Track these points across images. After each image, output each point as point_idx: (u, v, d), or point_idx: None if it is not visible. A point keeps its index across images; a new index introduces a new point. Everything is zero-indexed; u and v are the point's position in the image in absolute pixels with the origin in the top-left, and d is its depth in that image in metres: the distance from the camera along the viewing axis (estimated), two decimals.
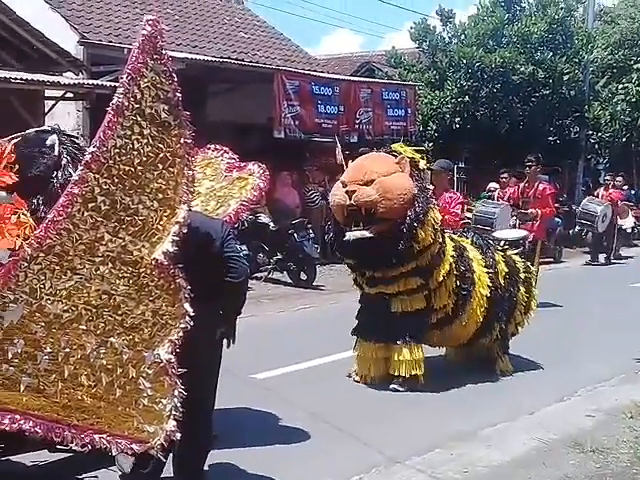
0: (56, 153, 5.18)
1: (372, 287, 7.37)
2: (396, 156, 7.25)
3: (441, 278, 7.24)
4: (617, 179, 19.81)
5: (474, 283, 7.50)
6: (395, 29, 52.03)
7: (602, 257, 17.62)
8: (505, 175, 15.00)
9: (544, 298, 8.68)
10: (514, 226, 11.76)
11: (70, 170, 5.10)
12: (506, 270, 7.84)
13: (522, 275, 8.05)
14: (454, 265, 7.34)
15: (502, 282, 7.75)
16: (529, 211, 11.67)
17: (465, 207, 11.71)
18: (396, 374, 7.23)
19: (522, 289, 7.99)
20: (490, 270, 7.66)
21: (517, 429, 6.30)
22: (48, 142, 5.23)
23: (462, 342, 7.89)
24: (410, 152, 7.34)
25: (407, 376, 7.17)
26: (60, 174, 5.09)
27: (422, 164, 7.37)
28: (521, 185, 12.32)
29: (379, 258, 7.11)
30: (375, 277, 7.28)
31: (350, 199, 7.04)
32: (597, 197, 18.16)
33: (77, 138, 5.63)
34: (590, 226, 16.94)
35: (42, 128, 5.50)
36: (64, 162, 5.15)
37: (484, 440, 6.01)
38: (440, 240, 7.21)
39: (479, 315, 7.55)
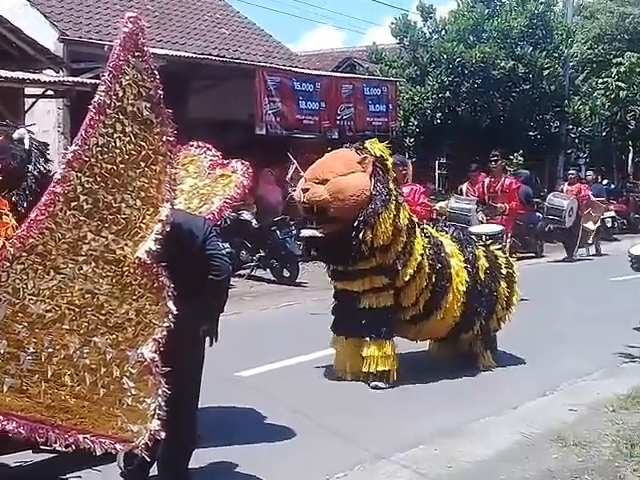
0: (27, 147, 5.17)
1: (337, 281, 7.46)
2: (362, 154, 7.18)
3: (408, 277, 7.23)
4: (587, 173, 19.47)
5: (451, 279, 7.51)
6: (376, 24, 52.19)
7: (580, 250, 17.53)
8: (474, 172, 14.98)
9: (525, 293, 8.69)
10: (481, 222, 11.82)
11: (42, 164, 5.11)
12: (487, 265, 7.85)
13: (504, 270, 8.07)
14: (426, 262, 7.32)
15: (482, 277, 7.77)
16: (498, 205, 11.77)
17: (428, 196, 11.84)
18: (366, 370, 7.24)
19: (503, 284, 8.00)
20: (469, 265, 7.68)
21: (500, 424, 6.32)
22: (16, 135, 5.21)
23: (441, 336, 7.93)
24: (380, 149, 7.28)
25: (376, 372, 7.19)
26: (32, 167, 5.09)
27: (390, 162, 7.31)
28: (486, 180, 12.40)
29: (331, 256, 7.32)
30: (339, 271, 7.35)
31: (303, 196, 7.12)
32: (561, 192, 17.78)
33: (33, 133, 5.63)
34: (558, 221, 16.51)
35: None
36: (35, 155, 5.15)
37: (467, 435, 6.03)
38: (405, 239, 7.19)
39: (456, 310, 7.57)
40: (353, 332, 7.36)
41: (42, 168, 5.10)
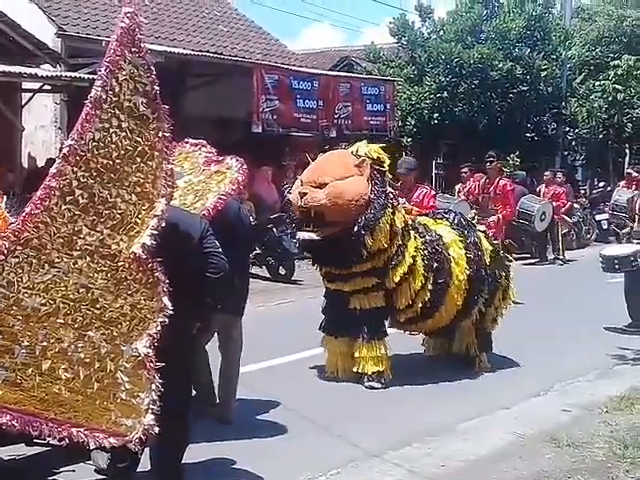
0: None
1: (330, 283, 7.42)
2: (359, 157, 7.15)
3: (398, 279, 7.18)
4: (545, 173, 18.30)
5: (451, 274, 7.44)
6: (374, 24, 52.08)
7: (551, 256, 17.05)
8: (465, 170, 14.94)
9: (518, 295, 8.68)
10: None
11: None
12: (491, 248, 7.85)
13: (503, 260, 8.07)
14: (421, 264, 7.26)
15: (488, 260, 7.70)
16: (491, 219, 11.43)
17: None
18: (359, 371, 7.23)
19: (503, 273, 7.96)
20: (474, 248, 7.63)
21: (494, 424, 6.33)
22: None
23: (442, 325, 7.80)
24: (376, 152, 7.24)
25: (370, 373, 7.17)
26: None
27: (387, 164, 7.27)
28: (481, 181, 12.34)
29: (328, 259, 7.23)
30: (332, 273, 7.31)
31: (301, 200, 7.05)
32: (538, 195, 16.92)
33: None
34: (528, 225, 15.75)
35: None
36: None
37: (461, 434, 6.04)
38: (399, 242, 7.16)
39: (458, 299, 7.50)
40: (343, 332, 7.34)
41: None
